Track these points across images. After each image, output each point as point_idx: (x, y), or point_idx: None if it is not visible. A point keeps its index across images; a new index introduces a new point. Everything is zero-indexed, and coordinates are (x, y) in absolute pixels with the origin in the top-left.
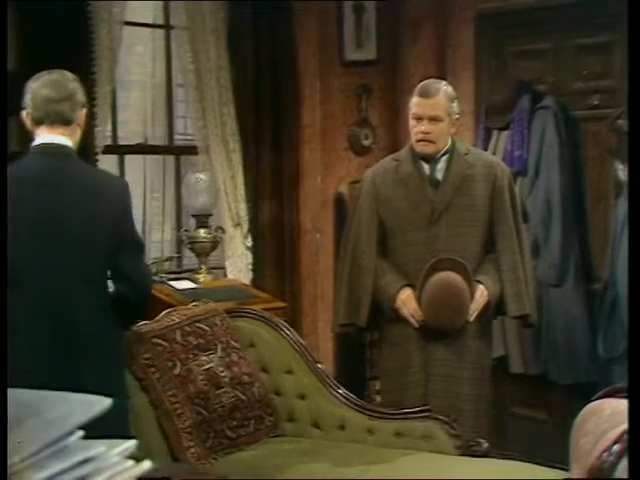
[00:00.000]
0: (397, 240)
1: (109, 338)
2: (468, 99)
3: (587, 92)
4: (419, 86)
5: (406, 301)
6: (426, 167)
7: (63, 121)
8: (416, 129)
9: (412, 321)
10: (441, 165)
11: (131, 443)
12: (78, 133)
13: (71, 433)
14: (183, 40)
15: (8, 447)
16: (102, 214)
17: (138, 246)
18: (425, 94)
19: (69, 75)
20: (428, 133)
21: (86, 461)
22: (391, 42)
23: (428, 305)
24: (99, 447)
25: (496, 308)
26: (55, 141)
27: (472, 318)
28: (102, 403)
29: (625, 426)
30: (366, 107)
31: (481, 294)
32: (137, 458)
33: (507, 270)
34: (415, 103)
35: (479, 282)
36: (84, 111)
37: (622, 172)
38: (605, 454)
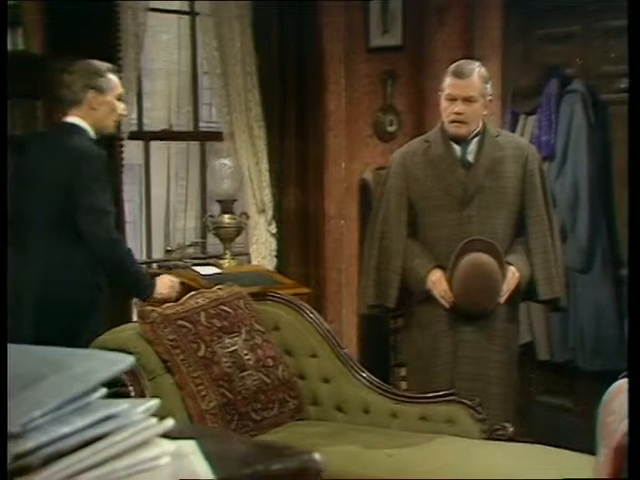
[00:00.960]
0: (428, 221)
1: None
2: (495, 84)
3: (615, 75)
4: (453, 67)
5: (437, 282)
6: (457, 148)
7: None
8: (449, 110)
9: (443, 302)
10: (472, 147)
11: (154, 402)
12: (92, 114)
13: (94, 390)
14: (208, 27)
15: (8, 446)
16: (59, 179)
17: (95, 213)
18: (459, 75)
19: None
20: (461, 114)
21: (109, 418)
22: (417, 27)
23: (459, 287)
24: (122, 405)
25: (526, 292)
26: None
27: (503, 299)
28: (125, 361)
29: None
30: (391, 93)
31: (512, 275)
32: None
33: (538, 253)
34: (449, 84)
35: (510, 263)
36: (90, 94)
37: None
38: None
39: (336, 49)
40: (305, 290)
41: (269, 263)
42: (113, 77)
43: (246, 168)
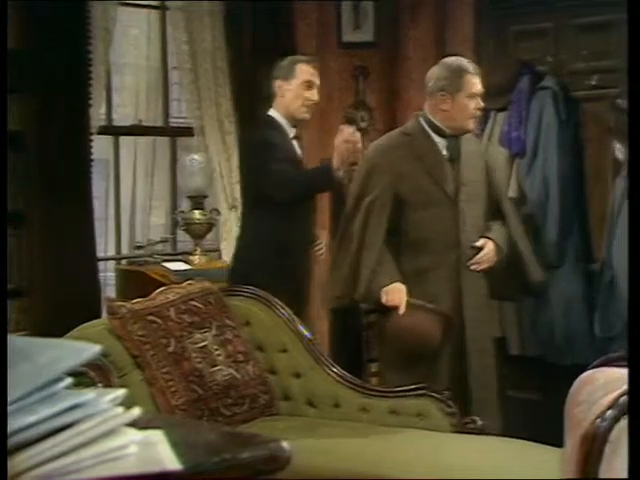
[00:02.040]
0: (419, 216)
1: None
2: None
3: (587, 72)
4: (468, 64)
5: (392, 292)
6: (440, 142)
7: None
8: (471, 106)
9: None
10: (455, 141)
11: (121, 392)
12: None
13: (60, 379)
14: (178, 22)
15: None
16: None
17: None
18: (475, 72)
19: None
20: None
21: (75, 407)
22: (389, 24)
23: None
24: (88, 394)
25: (515, 273)
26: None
27: (480, 268)
28: (91, 350)
29: (619, 392)
30: (363, 89)
31: (489, 247)
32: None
33: (522, 239)
34: (470, 82)
35: (489, 238)
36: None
37: (620, 152)
38: (598, 420)
39: (308, 44)
40: None
41: None
42: (301, 65)
43: (217, 164)
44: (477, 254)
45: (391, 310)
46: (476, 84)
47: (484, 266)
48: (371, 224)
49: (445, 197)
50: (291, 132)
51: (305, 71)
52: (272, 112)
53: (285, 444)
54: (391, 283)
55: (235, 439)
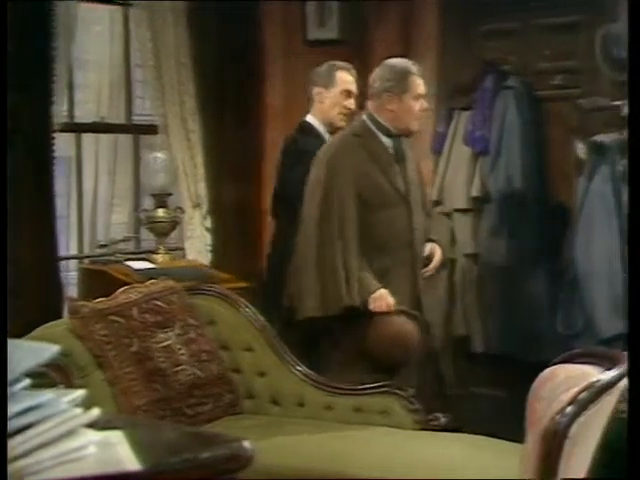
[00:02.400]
0: (379, 216)
1: None
2: (432, 79)
3: (550, 72)
4: (412, 65)
5: (378, 298)
6: (387, 143)
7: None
8: (417, 107)
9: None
10: (399, 141)
11: (80, 392)
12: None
13: (19, 380)
14: (141, 19)
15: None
16: None
17: None
18: (421, 73)
19: None
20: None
21: (33, 408)
22: (355, 21)
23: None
24: (47, 395)
25: None
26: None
27: (429, 274)
28: (50, 350)
29: (578, 388)
30: None
31: (438, 253)
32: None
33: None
34: (417, 83)
35: (433, 241)
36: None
37: (582, 151)
38: (558, 416)
39: (274, 41)
40: (241, 284)
41: (204, 258)
42: (340, 73)
43: (180, 162)
44: (428, 261)
45: (372, 316)
46: (421, 85)
47: (431, 272)
48: (347, 228)
49: (399, 197)
50: (327, 138)
51: (345, 80)
52: (309, 118)
53: (247, 443)
54: (377, 289)
55: (196, 439)
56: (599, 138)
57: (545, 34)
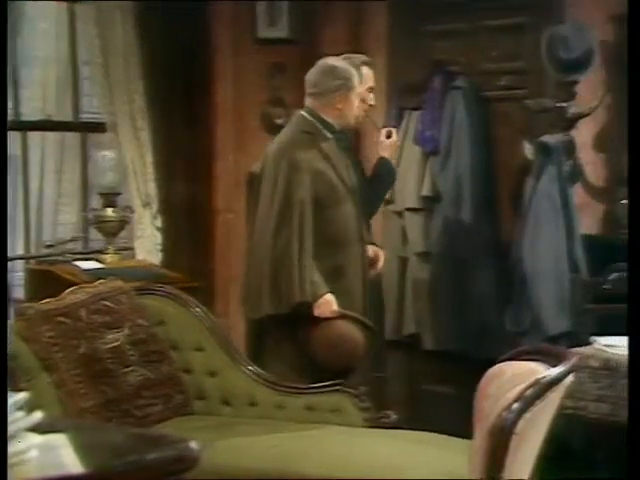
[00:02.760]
0: (332, 213)
1: None
2: (382, 78)
3: (498, 73)
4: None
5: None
6: (332, 140)
7: None
8: (361, 105)
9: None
10: (344, 138)
11: (22, 395)
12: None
13: None
14: (88, 15)
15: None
16: None
17: None
18: (365, 72)
19: None
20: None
21: None
22: (305, 20)
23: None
24: None
25: None
26: None
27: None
28: None
29: (524, 385)
30: (280, 86)
31: (380, 255)
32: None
33: None
34: (370, 76)
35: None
36: None
37: (530, 151)
38: (505, 412)
39: (223, 40)
40: (192, 284)
41: (154, 258)
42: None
43: (130, 160)
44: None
45: (317, 320)
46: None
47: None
48: (306, 227)
49: (349, 194)
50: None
51: (370, 76)
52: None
53: (193, 444)
54: (323, 294)
55: (142, 440)
56: (545, 139)
57: (492, 35)
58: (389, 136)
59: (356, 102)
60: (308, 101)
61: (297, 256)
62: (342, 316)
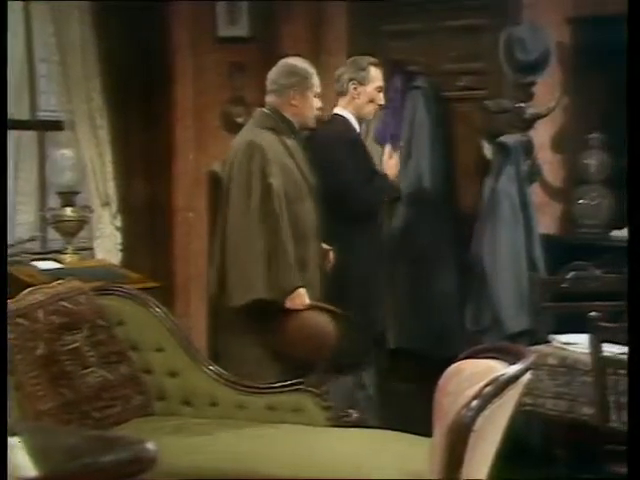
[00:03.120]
0: (297, 208)
1: None
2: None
3: (457, 73)
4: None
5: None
6: (297, 137)
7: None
8: (316, 104)
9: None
10: (300, 136)
11: None
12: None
13: None
14: (44, 13)
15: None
16: None
17: None
18: (315, 72)
19: None
20: None
21: None
22: (265, 19)
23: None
24: None
25: None
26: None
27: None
28: None
29: (483, 382)
30: (240, 85)
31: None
32: None
33: None
34: (317, 82)
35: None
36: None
37: (488, 151)
38: (464, 410)
39: (183, 38)
40: (152, 284)
41: (114, 257)
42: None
43: (88, 159)
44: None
45: (288, 311)
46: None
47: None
48: (284, 219)
49: (309, 190)
50: (358, 128)
51: (378, 76)
52: (342, 111)
53: (150, 444)
54: (297, 288)
55: (98, 443)
56: (504, 139)
57: (451, 36)
58: (390, 157)
59: (315, 102)
60: (269, 99)
61: (290, 243)
62: (311, 307)
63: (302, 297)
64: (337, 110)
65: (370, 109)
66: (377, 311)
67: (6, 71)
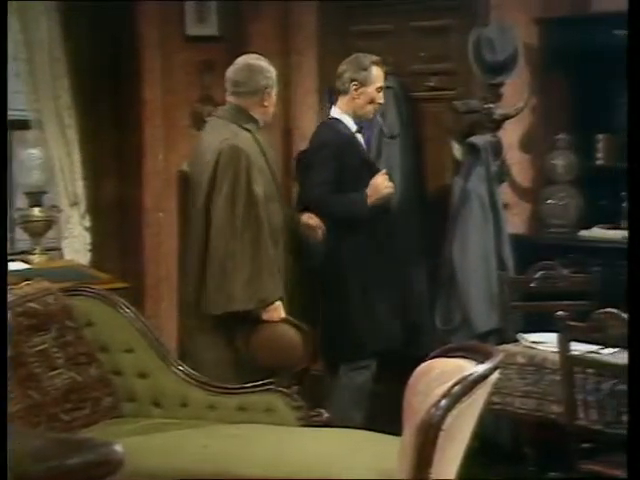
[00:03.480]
0: (269, 210)
1: None
2: (312, 77)
3: (426, 74)
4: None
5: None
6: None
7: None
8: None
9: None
10: (263, 136)
11: None
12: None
13: None
14: (10, 9)
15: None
16: None
17: None
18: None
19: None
20: None
21: None
22: (234, 18)
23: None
24: None
25: None
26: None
27: None
28: None
29: (452, 382)
30: (209, 83)
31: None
32: None
33: None
34: (381, 75)
35: None
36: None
37: (458, 151)
38: (433, 409)
39: (152, 37)
40: (122, 284)
41: (83, 258)
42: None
43: (57, 159)
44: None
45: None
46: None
47: None
48: (265, 228)
49: (277, 191)
50: (353, 128)
51: (380, 77)
52: (338, 113)
53: (118, 447)
54: (275, 300)
55: (64, 445)
56: (474, 139)
57: (420, 36)
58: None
59: (274, 101)
60: (233, 99)
61: (272, 251)
62: (284, 320)
63: (279, 310)
64: (334, 112)
65: (370, 109)
66: (348, 311)
67: (6, 71)
